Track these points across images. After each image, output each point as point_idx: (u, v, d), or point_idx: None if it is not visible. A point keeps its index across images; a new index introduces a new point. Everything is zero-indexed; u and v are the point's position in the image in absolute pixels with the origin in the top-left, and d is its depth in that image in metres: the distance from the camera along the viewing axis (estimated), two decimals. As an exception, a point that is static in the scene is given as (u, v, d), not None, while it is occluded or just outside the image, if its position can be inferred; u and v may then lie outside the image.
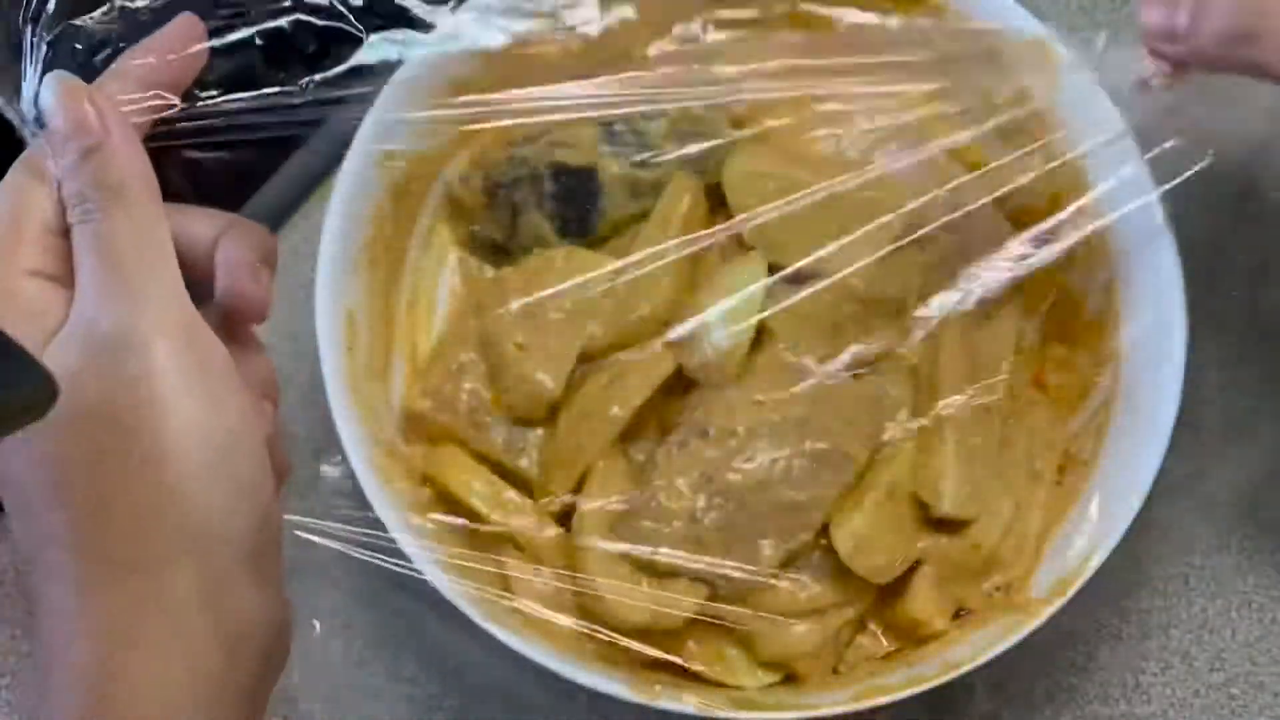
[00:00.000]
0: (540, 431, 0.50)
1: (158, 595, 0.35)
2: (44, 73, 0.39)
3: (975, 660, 0.46)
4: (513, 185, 0.51)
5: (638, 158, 0.51)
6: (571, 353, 0.49)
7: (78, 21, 0.42)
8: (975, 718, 0.54)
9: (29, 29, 0.40)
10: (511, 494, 0.49)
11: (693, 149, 0.51)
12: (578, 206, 0.51)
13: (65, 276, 0.37)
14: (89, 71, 0.40)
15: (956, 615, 0.50)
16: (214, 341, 0.38)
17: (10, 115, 0.40)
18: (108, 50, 0.42)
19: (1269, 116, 0.63)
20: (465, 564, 0.48)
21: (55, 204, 0.38)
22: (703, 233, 0.50)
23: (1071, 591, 0.47)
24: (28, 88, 0.39)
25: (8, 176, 0.39)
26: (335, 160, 0.50)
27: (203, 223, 0.40)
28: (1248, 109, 0.63)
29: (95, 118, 0.37)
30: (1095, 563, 0.47)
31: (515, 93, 0.48)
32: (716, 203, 0.51)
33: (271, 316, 0.42)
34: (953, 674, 0.46)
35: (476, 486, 0.49)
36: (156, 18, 0.42)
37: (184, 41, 0.40)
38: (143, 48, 0.40)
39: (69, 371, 0.34)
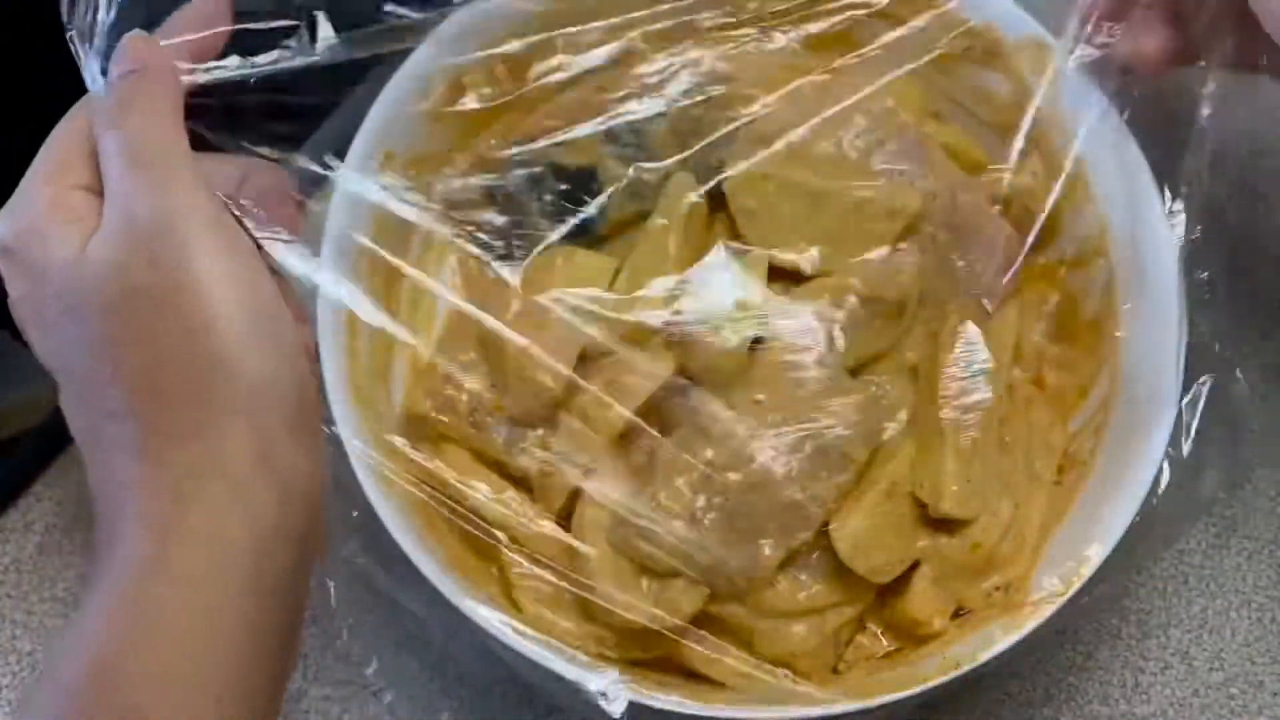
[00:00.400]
0: (540, 431, 0.50)
1: (214, 456, 0.38)
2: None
3: (975, 660, 0.46)
4: (513, 186, 0.51)
5: (638, 158, 0.51)
6: (572, 353, 0.49)
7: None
8: (975, 717, 0.54)
9: None
10: (512, 494, 0.49)
11: (692, 149, 0.51)
12: (578, 207, 0.51)
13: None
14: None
15: (956, 615, 0.50)
16: (240, 230, 0.41)
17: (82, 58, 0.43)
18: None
19: (1269, 116, 0.64)
20: (465, 563, 0.48)
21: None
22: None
23: (1071, 591, 0.47)
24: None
25: (70, 111, 0.42)
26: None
27: (226, 165, 0.43)
28: (1248, 108, 0.64)
29: (139, 49, 0.42)
30: (1095, 563, 0.47)
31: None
32: (716, 203, 0.51)
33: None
34: (952, 674, 0.46)
35: (477, 486, 0.49)
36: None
37: (208, 20, 0.43)
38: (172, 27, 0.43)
39: (112, 261, 0.38)
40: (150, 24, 0.44)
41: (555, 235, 0.51)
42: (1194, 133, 0.52)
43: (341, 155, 0.50)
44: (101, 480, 0.39)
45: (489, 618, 0.46)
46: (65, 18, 0.43)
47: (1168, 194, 0.51)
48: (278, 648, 0.39)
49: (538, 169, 0.51)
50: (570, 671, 0.45)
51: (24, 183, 0.41)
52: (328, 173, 0.49)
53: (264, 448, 0.38)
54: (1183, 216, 0.51)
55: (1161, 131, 0.52)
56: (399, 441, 0.49)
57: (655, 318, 0.49)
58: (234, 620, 0.37)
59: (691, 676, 0.48)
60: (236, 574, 0.37)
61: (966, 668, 0.46)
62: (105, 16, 0.43)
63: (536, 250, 0.51)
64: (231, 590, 0.37)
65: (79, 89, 0.44)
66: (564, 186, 0.51)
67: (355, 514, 0.47)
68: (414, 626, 0.50)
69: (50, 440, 0.56)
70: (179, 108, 0.41)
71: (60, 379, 0.40)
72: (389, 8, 0.49)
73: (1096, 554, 0.48)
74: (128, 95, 0.41)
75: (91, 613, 0.37)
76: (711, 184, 0.51)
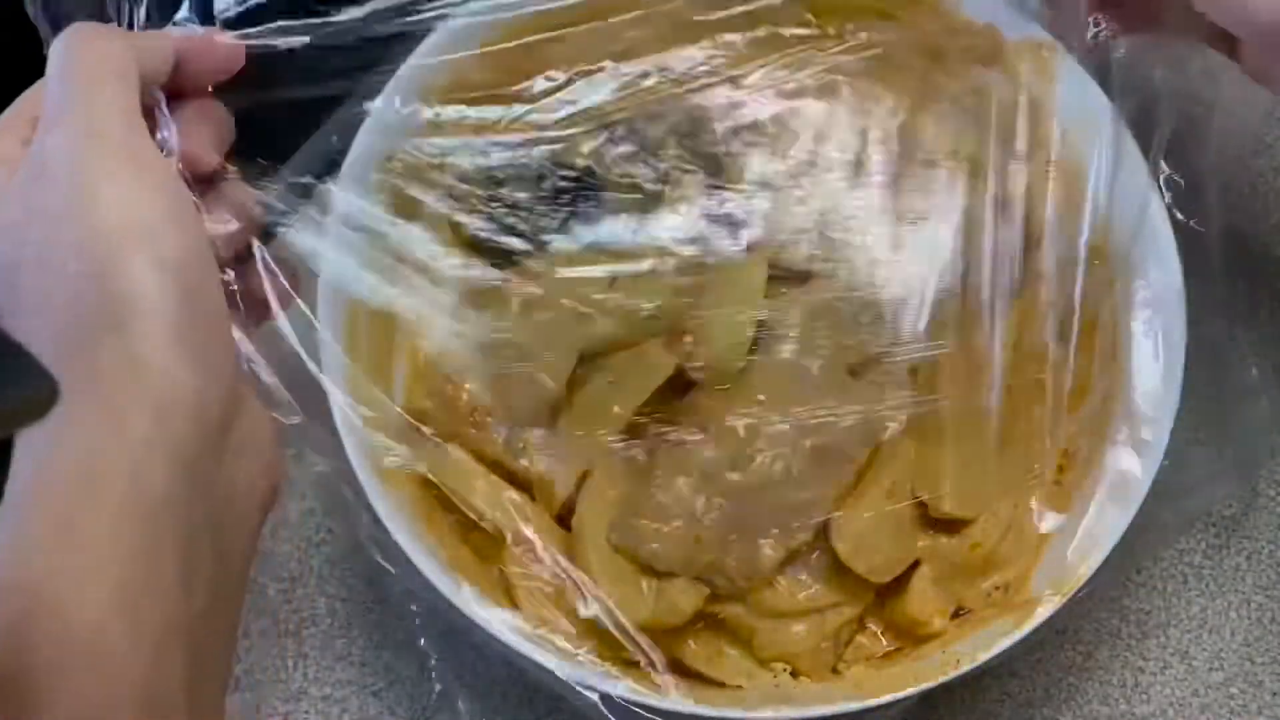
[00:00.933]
0: (540, 431, 0.50)
1: (85, 374, 0.36)
2: None
3: (974, 660, 0.46)
4: (514, 185, 0.51)
5: (638, 158, 0.51)
6: (572, 353, 0.49)
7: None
8: (975, 717, 0.54)
9: None
10: (512, 494, 0.49)
11: (692, 149, 0.51)
12: (578, 207, 0.51)
13: None
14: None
15: (956, 615, 0.50)
16: (147, 145, 0.40)
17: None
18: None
19: (1269, 115, 0.64)
20: (465, 563, 0.48)
21: None
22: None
23: (1071, 591, 0.47)
24: None
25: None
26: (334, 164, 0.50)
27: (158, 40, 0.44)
28: (1249, 108, 0.64)
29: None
30: (1095, 562, 0.47)
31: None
32: (717, 203, 0.51)
33: (273, 318, 0.45)
34: (952, 673, 0.46)
35: (478, 486, 0.49)
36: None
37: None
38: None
39: (13, 189, 0.39)
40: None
41: (555, 235, 0.51)
42: (1195, 133, 0.52)
43: (323, 174, 0.50)
44: None
45: (489, 617, 0.46)
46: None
47: (1168, 193, 0.51)
48: (176, 580, 0.36)
49: (538, 168, 0.51)
50: (570, 671, 0.45)
51: None
52: (324, 184, 0.49)
53: (134, 363, 0.36)
54: (1182, 216, 0.51)
55: (1162, 131, 0.52)
56: (399, 441, 0.49)
57: (655, 317, 0.49)
58: (111, 548, 0.35)
59: (691, 676, 0.48)
60: (110, 498, 0.35)
61: (966, 667, 0.46)
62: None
63: (536, 250, 0.51)
64: (105, 516, 0.35)
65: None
66: (564, 186, 0.51)
67: (355, 514, 0.47)
68: (414, 626, 0.50)
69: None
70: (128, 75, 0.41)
71: None
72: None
73: (1096, 554, 0.48)
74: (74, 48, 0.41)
75: None
76: (711, 184, 0.51)
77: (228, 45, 0.45)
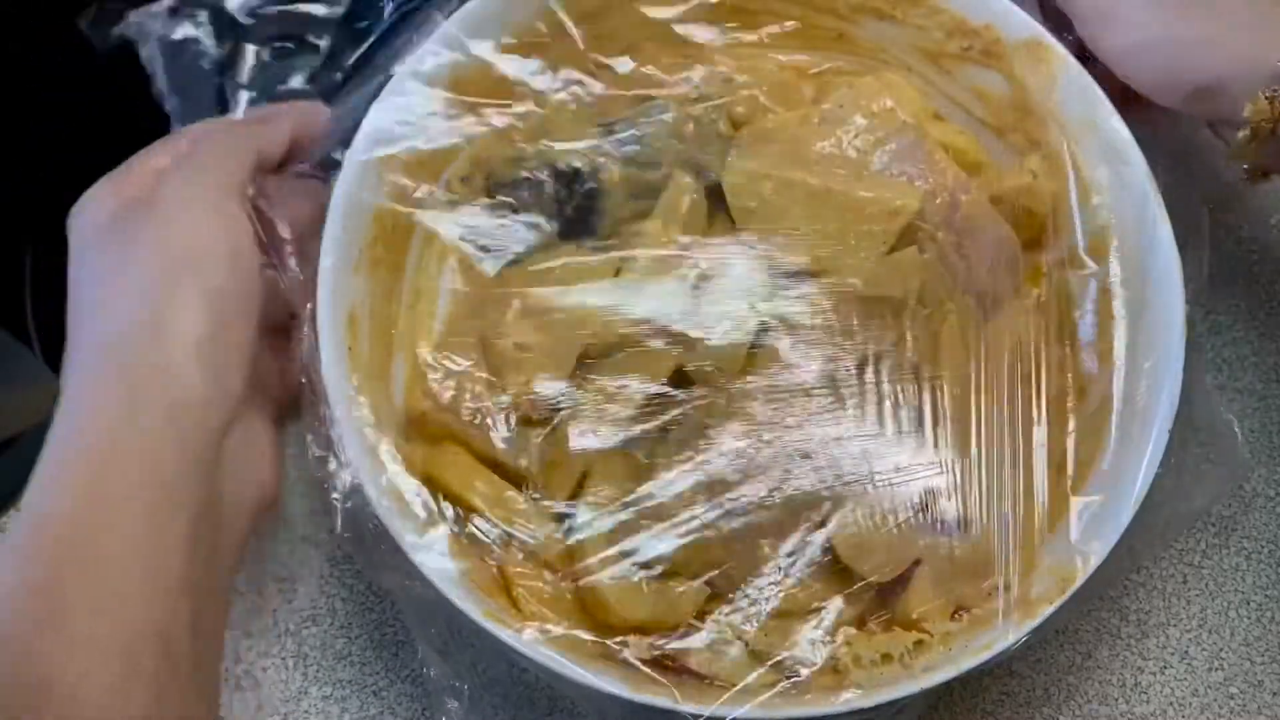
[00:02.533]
0: (540, 431, 0.50)
1: (118, 370, 0.43)
2: None
3: (974, 660, 0.46)
4: (513, 185, 0.51)
5: (638, 158, 0.51)
6: (572, 353, 0.49)
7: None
8: (975, 717, 0.54)
9: None
10: (512, 494, 0.49)
11: (692, 149, 0.51)
12: (578, 207, 0.51)
13: None
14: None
15: (955, 614, 0.50)
16: (235, 207, 0.46)
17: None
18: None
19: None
20: (466, 563, 0.48)
21: None
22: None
23: (1071, 591, 0.47)
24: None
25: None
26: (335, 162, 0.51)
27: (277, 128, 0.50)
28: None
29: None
30: (1095, 563, 0.47)
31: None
32: (716, 203, 0.51)
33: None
34: (952, 673, 0.46)
35: (478, 486, 0.49)
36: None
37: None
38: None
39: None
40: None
41: (555, 235, 0.51)
42: (1195, 131, 0.52)
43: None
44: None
45: (489, 617, 0.46)
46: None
47: (1166, 193, 0.51)
48: (184, 542, 0.42)
49: (538, 169, 0.51)
50: (570, 671, 0.45)
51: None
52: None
53: (159, 366, 0.43)
54: (1182, 215, 0.51)
55: (1161, 130, 0.52)
56: (399, 441, 0.49)
57: (655, 318, 0.49)
58: (128, 504, 0.41)
59: (691, 676, 0.48)
60: (131, 466, 0.42)
61: (966, 667, 0.46)
62: None
63: (537, 250, 0.51)
64: (128, 477, 0.42)
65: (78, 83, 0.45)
66: (563, 186, 0.51)
67: (356, 514, 0.47)
68: (414, 625, 0.50)
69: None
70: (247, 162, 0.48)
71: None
72: None
73: (1096, 554, 0.48)
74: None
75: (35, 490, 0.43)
76: (711, 184, 0.51)
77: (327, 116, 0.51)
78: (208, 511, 0.43)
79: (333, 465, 0.47)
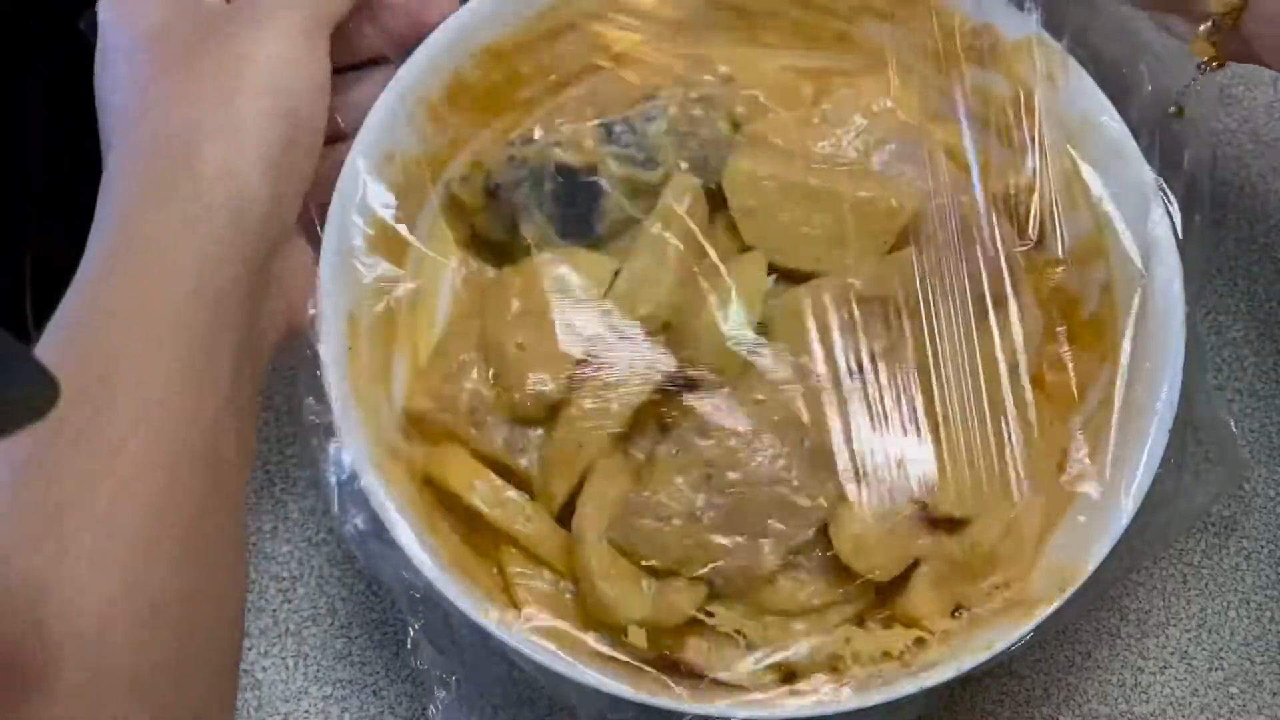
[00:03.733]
0: (540, 431, 0.50)
1: (187, 173, 0.43)
2: None
3: (974, 659, 0.46)
4: (513, 186, 0.51)
5: (638, 158, 0.51)
6: (571, 353, 0.49)
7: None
8: (975, 717, 0.55)
9: None
10: (512, 493, 0.49)
11: (692, 149, 0.51)
12: (578, 207, 0.51)
13: None
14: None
15: (955, 614, 0.50)
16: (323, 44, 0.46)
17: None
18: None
19: (1268, 112, 0.64)
20: (465, 563, 0.48)
21: None
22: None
23: (1071, 591, 0.47)
24: None
25: None
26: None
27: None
28: (1249, 106, 0.64)
29: None
30: (1095, 563, 0.47)
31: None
32: (716, 203, 0.51)
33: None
34: (952, 673, 0.46)
35: (477, 486, 0.49)
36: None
37: None
38: None
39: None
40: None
41: (555, 235, 0.51)
42: (1195, 131, 0.52)
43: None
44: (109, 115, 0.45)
45: (489, 618, 0.46)
46: None
47: (1167, 192, 0.51)
48: (227, 365, 0.42)
49: (537, 168, 0.51)
50: (570, 670, 0.45)
51: None
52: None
53: (227, 169, 0.43)
54: (1182, 215, 0.51)
55: (1161, 129, 0.52)
56: (399, 441, 0.49)
57: (655, 318, 0.49)
58: (175, 323, 0.41)
59: (691, 676, 0.48)
60: (182, 282, 0.41)
61: (966, 667, 0.46)
62: None
63: (536, 250, 0.51)
64: (177, 295, 0.41)
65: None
66: (563, 186, 0.51)
67: (356, 514, 0.47)
68: (414, 626, 0.50)
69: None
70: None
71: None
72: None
73: (1096, 554, 0.48)
74: None
75: (77, 283, 0.42)
76: (711, 184, 0.51)
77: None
78: (251, 331, 0.44)
79: (332, 464, 0.47)
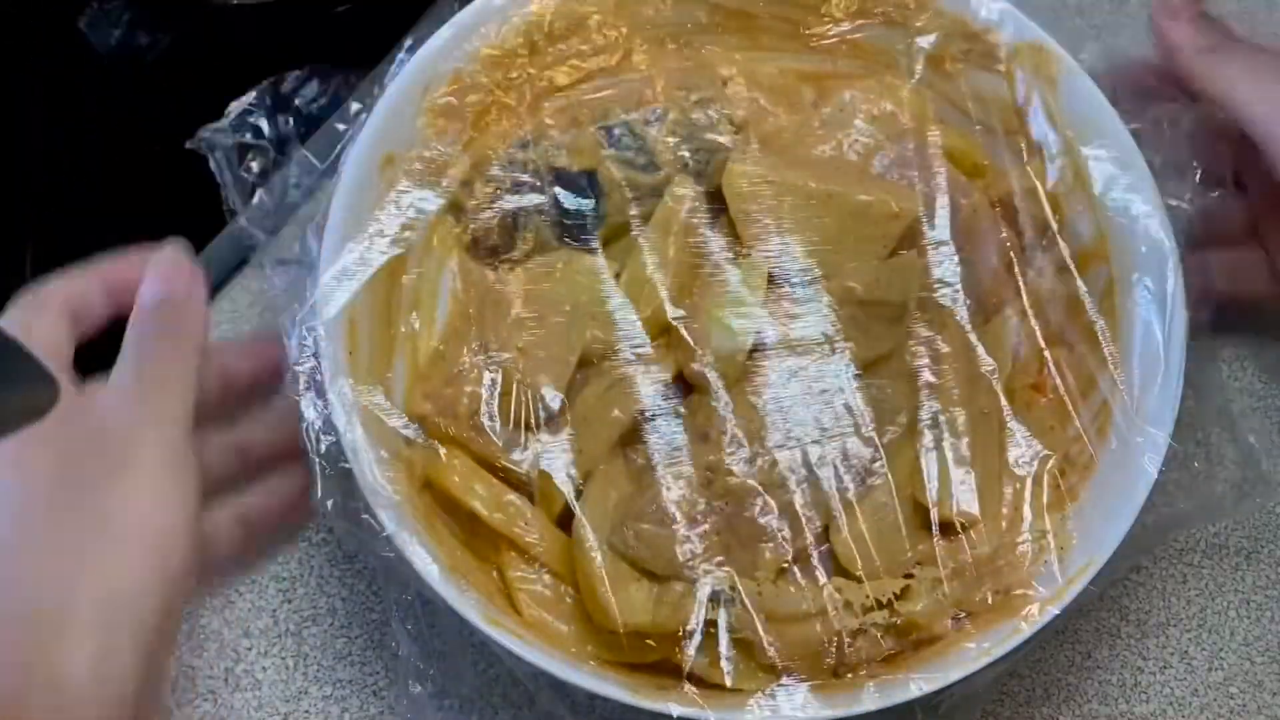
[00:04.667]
0: (541, 434, 0.50)
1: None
2: None
3: (976, 662, 0.46)
4: (514, 189, 0.51)
5: (638, 161, 0.51)
6: (572, 356, 0.49)
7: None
8: (975, 717, 0.55)
9: None
10: (512, 497, 0.49)
11: (693, 152, 0.51)
12: (578, 210, 0.51)
13: None
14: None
15: (956, 617, 0.50)
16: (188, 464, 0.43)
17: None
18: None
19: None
20: (465, 566, 0.48)
21: None
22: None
23: (1071, 592, 0.47)
24: None
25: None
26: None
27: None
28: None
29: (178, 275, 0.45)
30: (1095, 564, 0.47)
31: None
32: (717, 206, 0.51)
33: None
34: (953, 676, 0.46)
35: (477, 490, 0.49)
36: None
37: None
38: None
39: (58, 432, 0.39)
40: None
41: (555, 239, 0.51)
42: (1195, 133, 0.52)
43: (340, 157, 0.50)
44: None
45: (489, 621, 0.46)
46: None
47: (1168, 193, 0.51)
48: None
49: (538, 171, 0.51)
50: (570, 674, 0.45)
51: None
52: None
53: (56, 681, 0.40)
54: (1181, 216, 0.51)
55: (1162, 134, 0.52)
56: (399, 444, 0.49)
57: (655, 321, 0.49)
58: None
59: (692, 680, 0.48)
60: None
61: (967, 670, 0.46)
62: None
63: (537, 254, 0.51)
64: None
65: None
66: (565, 188, 0.51)
67: (356, 516, 0.47)
68: (413, 627, 0.50)
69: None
70: (198, 342, 0.45)
71: None
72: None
73: (1097, 555, 0.48)
74: (158, 325, 0.44)
75: None
76: (711, 187, 0.51)
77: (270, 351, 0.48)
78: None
79: (324, 446, 0.47)
